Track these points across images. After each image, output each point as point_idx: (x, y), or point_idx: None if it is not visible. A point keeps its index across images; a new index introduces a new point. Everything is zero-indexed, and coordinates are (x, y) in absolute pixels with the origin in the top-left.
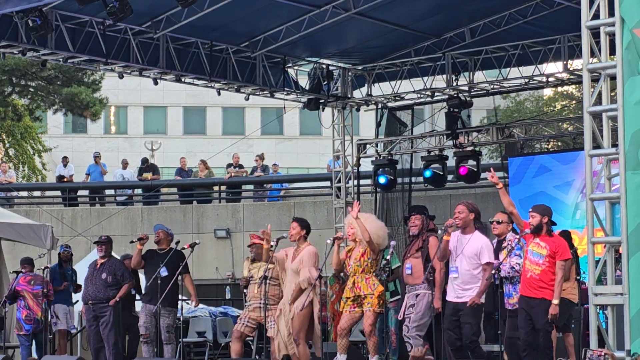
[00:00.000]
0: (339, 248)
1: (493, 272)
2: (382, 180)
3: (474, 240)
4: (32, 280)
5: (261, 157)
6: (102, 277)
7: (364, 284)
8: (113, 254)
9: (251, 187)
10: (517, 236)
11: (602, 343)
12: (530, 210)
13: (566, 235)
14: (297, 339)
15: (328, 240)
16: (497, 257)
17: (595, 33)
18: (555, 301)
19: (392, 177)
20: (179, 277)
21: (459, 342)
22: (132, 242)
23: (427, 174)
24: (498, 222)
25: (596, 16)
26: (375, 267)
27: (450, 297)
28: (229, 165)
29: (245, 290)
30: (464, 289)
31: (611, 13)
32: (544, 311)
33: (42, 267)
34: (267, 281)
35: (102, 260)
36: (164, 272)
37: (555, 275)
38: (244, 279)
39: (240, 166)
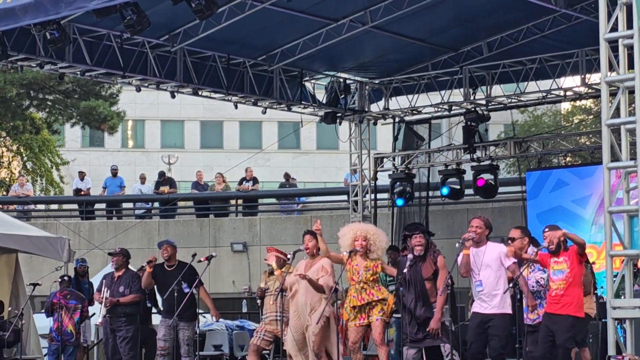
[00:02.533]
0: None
1: (510, 285)
2: (399, 202)
3: (490, 249)
4: (68, 294)
5: (286, 175)
6: (120, 290)
7: (377, 290)
8: (130, 267)
9: (269, 200)
10: (536, 249)
11: None
12: (547, 230)
13: None
14: (319, 352)
15: (344, 252)
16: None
17: (613, 47)
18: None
19: (408, 195)
20: (194, 290)
21: (481, 355)
22: (142, 268)
23: (445, 191)
24: (512, 240)
25: (614, 29)
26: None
27: (477, 308)
28: (242, 180)
29: (259, 301)
30: (490, 299)
31: (629, 26)
32: (566, 328)
33: (59, 279)
34: (284, 294)
35: (119, 273)
36: (186, 288)
37: None
38: (259, 289)
39: (255, 180)
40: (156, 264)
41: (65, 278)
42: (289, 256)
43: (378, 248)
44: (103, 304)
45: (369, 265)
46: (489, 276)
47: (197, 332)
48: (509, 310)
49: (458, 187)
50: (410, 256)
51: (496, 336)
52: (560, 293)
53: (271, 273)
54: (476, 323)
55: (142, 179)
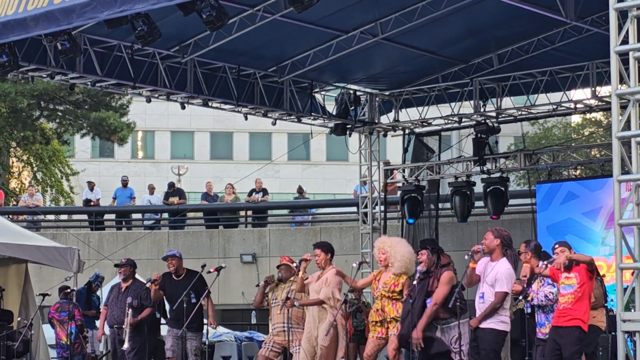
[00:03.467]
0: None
1: (520, 297)
2: (410, 220)
3: (496, 267)
4: (59, 307)
5: (299, 189)
6: (128, 301)
7: (391, 307)
8: (138, 277)
9: (279, 211)
10: (546, 262)
11: None
12: (557, 246)
13: None
14: None
15: (354, 264)
16: (530, 286)
17: (624, 60)
18: None
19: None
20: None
21: None
22: (146, 287)
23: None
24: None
25: (625, 42)
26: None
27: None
28: (252, 191)
29: (262, 283)
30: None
31: None
32: (573, 341)
33: (69, 290)
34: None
35: (127, 284)
36: (193, 299)
37: None
38: (270, 277)
39: (265, 191)
40: (164, 273)
41: (67, 290)
42: (295, 264)
43: (397, 260)
44: (127, 327)
45: (388, 281)
46: (488, 292)
47: (206, 342)
48: (500, 327)
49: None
50: (419, 267)
51: (483, 350)
52: (568, 307)
53: (280, 280)
54: (472, 337)
55: (151, 190)
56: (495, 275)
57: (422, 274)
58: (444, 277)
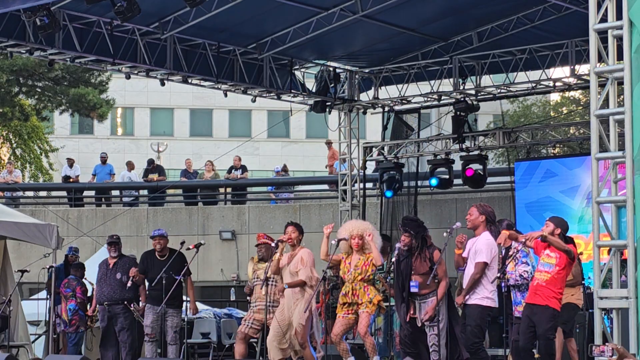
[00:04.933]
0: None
1: (498, 275)
2: (388, 194)
3: (478, 241)
4: (67, 283)
5: (284, 168)
6: (117, 277)
7: (362, 292)
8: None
9: (258, 188)
10: (518, 243)
11: None
12: (547, 219)
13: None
14: (303, 342)
15: (332, 241)
16: (504, 264)
17: (603, 38)
18: None
19: (397, 187)
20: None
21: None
22: (129, 285)
23: (434, 182)
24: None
25: (604, 20)
26: (373, 276)
27: (459, 300)
28: (231, 168)
29: (249, 298)
30: (467, 289)
31: (619, 16)
32: (547, 318)
33: (47, 267)
34: (269, 282)
35: (114, 260)
36: (177, 276)
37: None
38: (248, 287)
39: (244, 168)
40: (147, 252)
41: (75, 263)
42: (272, 244)
43: (375, 255)
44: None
45: (358, 263)
46: (469, 267)
47: (185, 319)
48: (485, 303)
49: (447, 177)
50: (398, 245)
51: (468, 326)
52: (542, 284)
53: (261, 259)
54: (462, 314)
55: (130, 166)
56: (477, 248)
57: (403, 254)
58: (438, 255)
